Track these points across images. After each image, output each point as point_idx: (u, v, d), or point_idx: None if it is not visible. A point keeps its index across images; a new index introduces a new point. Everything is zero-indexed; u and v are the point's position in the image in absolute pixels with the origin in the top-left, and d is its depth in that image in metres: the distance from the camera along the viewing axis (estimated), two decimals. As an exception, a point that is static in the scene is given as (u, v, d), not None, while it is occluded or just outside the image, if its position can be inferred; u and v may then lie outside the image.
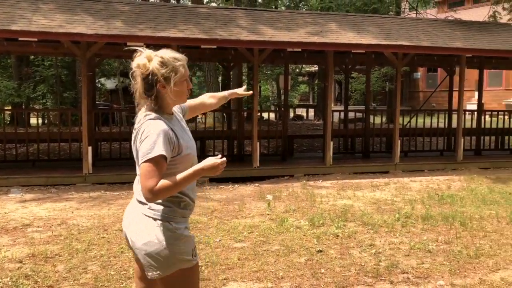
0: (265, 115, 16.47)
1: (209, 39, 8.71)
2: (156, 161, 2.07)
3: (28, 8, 8.55)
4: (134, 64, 2.17)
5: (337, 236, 5.27)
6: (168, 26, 8.82)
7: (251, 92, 2.93)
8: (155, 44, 9.34)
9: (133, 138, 2.20)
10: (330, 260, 4.52)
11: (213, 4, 23.89)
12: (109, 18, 8.76)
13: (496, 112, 13.00)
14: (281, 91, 20.68)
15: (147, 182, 2.04)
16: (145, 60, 2.15)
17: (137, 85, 2.18)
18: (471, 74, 17.48)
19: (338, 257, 4.61)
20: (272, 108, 24.33)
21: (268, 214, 6.27)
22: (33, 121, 19.49)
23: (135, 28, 8.50)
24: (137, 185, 2.25)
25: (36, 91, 18.05)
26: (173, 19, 9.25)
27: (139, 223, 2.20)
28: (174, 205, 2.21)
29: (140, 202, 2.22)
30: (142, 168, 2.07)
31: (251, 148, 9.81)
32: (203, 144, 10.74)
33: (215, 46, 9.79)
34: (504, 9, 16.06)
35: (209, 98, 2.71)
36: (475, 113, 12.79)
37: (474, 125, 12.52)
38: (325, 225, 5.72)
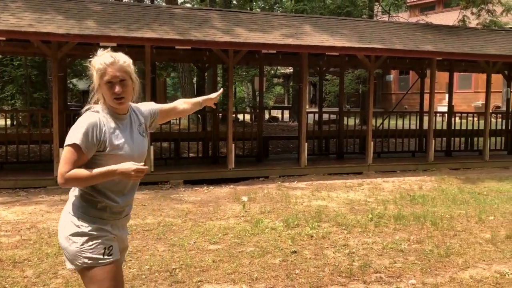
0: (240, 116, 16.46)
1: (184, 40, 8.65)
2: (71, 149, 2.17)
3: (-4, 6, 8.31)
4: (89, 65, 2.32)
5: (312, 236, 5.31)
6: (141, 26, 8.72)
7: (222, 89, 2.95)
8: (128, 44, 9.24)
9: None
10: (304, 260, 4.54)
11: (188, 5, 23.75)
12: (81, 17, 8.61)
13: (465, 114, 13.33)
14: (256, 92, 20.75)
15: (61, 167, 2.16)
16: (91, 62, 2.29)
17: None
18: (442, 77, 17.89)
19: (313, 257, 4.64)
20: (247, 109, 24.36)
21: (243, 216, 6.26)
22: (1, 122, 18.95)
23: (108, 28, 8.37)
24: None
25: (5, 92, 17.58)
26: (147, 20, 9.15)
27: (62, 215, 2.35)
28: (88, 204, 2.28)
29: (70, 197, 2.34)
30: (62, 153, 2.22)
31: (226, 149, 9.78)
32: (177, 146, 10.66)
33: (189, 47, 9.72)
34: (472, 13, 16.50)
35: (182, 104, 2.73)
36: (446, 115, 13.08)
37: (445, 127, 12.81)
38: (299, 226, 5.74)
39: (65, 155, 2.18)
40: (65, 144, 2.20)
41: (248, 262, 4.49)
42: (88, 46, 9.70)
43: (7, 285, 3.88)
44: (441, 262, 4.54)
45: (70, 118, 10.82)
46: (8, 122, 17.88)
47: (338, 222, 5.93)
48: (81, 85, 21.68)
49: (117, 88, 2.25)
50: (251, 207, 6.79)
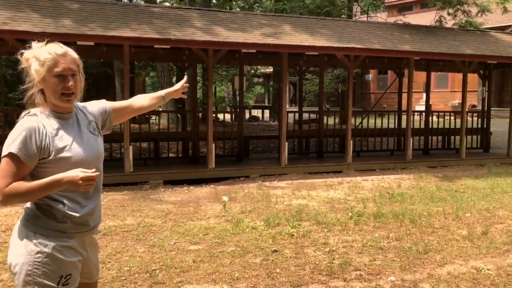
0: (220, 116, 16.42)
1: (163, 39, 8.58)
2: (8, 160, 1.90)
3: (-31, 3, 8.11)
4: (22, 58, 2.06)
5: (292, 235, 5.32)
6: (120, 25, 8.62)
7: (186, 77, 2.56)
8: (106, 43, 9.13)
9: None
10: (285, 259, 4.56)
11: (167, 4, 23.58)
12: (58, 16, 8.46)
13: (443, 113, 13.56)
14: (237, 92, 20.74)
15: None
16: (28, 54, 2.03)
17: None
18: (419, 77, 18.18)
19: (293, 256, 4.66)
20: (228, 109, 24.31)
21: (224, 216, 6.25)
22: (-25, 123, 18.49)
23: (85, 27, 8.25)
24: None
25: (-21, 91, 17.13)
26: (125, 18, 9.04)
27: (14, 231, 2.04)
28: (47, 216, 1.97)
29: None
30: None
31: (206, 149, 9.74)
32: (156, 146, 10.56)
33: (168, 46, 9.65)
34: (449, 14, 16.79)
35: (139, 99, 2.41)
36: (423, 114, 13.29)
37: (423, 126, 13.01)
38: (280, 225, 5.76)
39: (2, 167, 1.89)
40: (2, 156, 1.92)
41: (229, 262, 4.48)
42: (65, 44, 9.53)
43: (-19, 290, 3.79)
44: (420, 259, 4.60)
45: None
46: (-17, 122, 17.46)
47: (319, 220, 5.96)
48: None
49: (71, 82, 1.99)
50: (232, 206, 6.77)
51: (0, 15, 7.94)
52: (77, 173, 1.89)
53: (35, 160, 1.94)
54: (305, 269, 4.31)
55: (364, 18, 20.41)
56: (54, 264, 1.94)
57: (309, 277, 4.14)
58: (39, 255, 1.93)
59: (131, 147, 8.77)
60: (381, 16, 23.08)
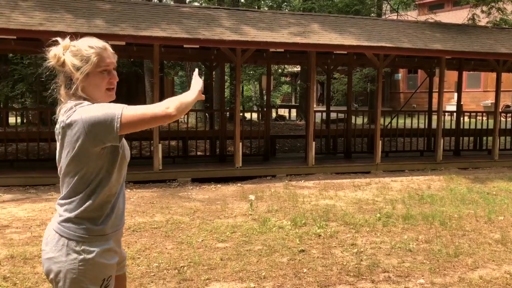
0: (247, 115, 16.47)
1: (192, 38, 8.67)
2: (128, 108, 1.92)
3: (6, 5, 8.38)
4: (49, 55, 1.95)
5: (319, 236, 5.31)
6: (150, 25, 8.75)
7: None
8: (137, 43, 9.28)
9: (60, 136, 1.92)
10: (312, 259, 4.55)
11: (196, 4, 23.80)
12: (90, 16, 8.66)
13: (474, 113, 13.24)
14: (264, 91, 20.71)
15: (152, 107, 1.94)
16: (60, 50, 1.93)
17: (59, 79, 1.96)
18: (451, 76, 17.78)
19: (320, 256, 4.64)
20: (255, 108, 24.35)
21: (251, 214, 6.28)
22: (11, 120, 19.11)
23: (116, 27, 8.41)
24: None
25: (15, 90, 17.70)
26: (156, 18, 9.18)
27: (49, 239, 1.95)
28: (88, 222, 1.92)
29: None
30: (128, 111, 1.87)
31: (233, 148, 9.80)
32: (185, 144, 10.69)
33: (197, 46, 9.75)
34: (482, 12, 16.37)
35: None
36: (454, 114, 13.00)
37: (453, 126, 12.73)
38: (307, 225, 5.75)
39: (137, 108, 1.83)
40: (119, 110, 1.81)
41: (256, 260, 4.50)
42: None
43: (17, 281, 3.92)
44: (450, 262, 4.52)
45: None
46: (19, 120, 18.04)
47: (346, 221, 5.92)
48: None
49: (115, 77, 1.94)
50: (259, 205, 6.79)
51: (37, 16, 8.18)
52: (198, 86, 1.99)
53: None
54: (332, 270, 4.30)
55: (394, 16, 20.11)
56: (98, 269, 1.94)
57: (336, 277, 4.12)
58: (83, 262, 1.90)
59: (160, 145, 8.90)
60: (412, 15, 22.68)
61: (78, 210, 1.92)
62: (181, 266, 4.32)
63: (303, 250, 4.79)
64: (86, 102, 1.90)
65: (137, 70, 19.35)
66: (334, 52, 10.92)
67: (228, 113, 12.89)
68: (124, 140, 1.98)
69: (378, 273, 4.24)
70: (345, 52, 10.89)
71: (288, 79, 32.10)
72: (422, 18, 20.91)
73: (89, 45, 1.92)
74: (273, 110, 22.12)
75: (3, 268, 4.22)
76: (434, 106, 12.14)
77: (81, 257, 1.90)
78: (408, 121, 12.36)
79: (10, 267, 4.23)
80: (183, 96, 1.94)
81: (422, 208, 6.70)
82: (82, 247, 1.91)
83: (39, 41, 8.88)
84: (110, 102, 1.95)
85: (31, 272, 4.13)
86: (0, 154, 10.03)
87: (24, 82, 17.72)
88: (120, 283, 2.16)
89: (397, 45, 9.91)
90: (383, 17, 19.19)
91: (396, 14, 20.10)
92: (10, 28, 7.70)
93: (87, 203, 1.92)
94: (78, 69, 1.90)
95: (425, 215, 6.21)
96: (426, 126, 12.62)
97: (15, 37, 8.71)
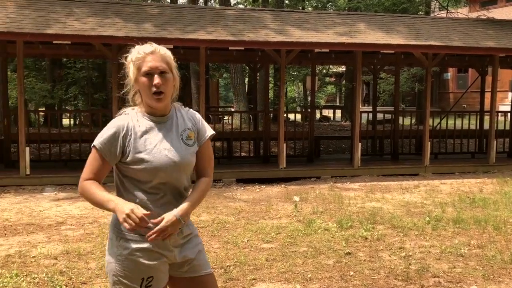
0: (291, 116, 16.44)
1: (237, 40, 8.76)
2: (93, 152, 1.98)
3: (62, 12, 8.78)
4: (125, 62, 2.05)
5: (366, 238, 5.22)
6: (196, 28, 8.92)
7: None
8: (183, 46, 9.47)
9: None
10: (359, 262, 4.48)
11: (241, 6, 24.00)
12: (139, 20, 8.92)
13: (530, 114, 12.60)
14: (308, 92, 20.58)
15: (83, 170, 1.99)
16: (128, 56, 2.02)
17: None
18: (504, 75, 17.02)
19: (367, 259, 4.57)
20: (299, 109, 24.27)
21: (295, 216, 6.26)
22: (65, 122, 20.01)
23: (164, 31, 8.63)
24: None
25: (68, 93, 18.50)
26: (202, 21, 9.34)
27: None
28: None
29: None
30: None
31: (277, 149, 9.81)
32: (229, 145, 10.81)
33: (242, 48, 9.84)
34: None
35: (195, 186, 2.15)
36: (508, 114, 12.43)
37: (507, 127, 12.17)
38: (353, 227, 5.67)
39: (89, 158, 1.98)
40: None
41: (301, 262, 4.49)
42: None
43: (73, 276, 4.10)
44: (505, 269, 4.33)
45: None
46: (72, 121, 18.85)
47: (394, 224, 5.80)
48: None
49: (157, 80, 1.92)
50: (303, 207, 6.77)
51: (89, 22, 8.52)
52: (126, 208, 1.82)
53: (115, 158, 1.96)
54: (380, 273, 4.22)
55: (443, 14, 19.49)
56: (134, 266, 1.96)
57: (384, 281, 4.05)
58: (119, 257, 1.97)
59: (205, 146, 9.03)
60: (462, 12, 21.91)
61: None
62: (227, 266, 4.37)
63: (349, 253, 4.73)
64: (124, 110, 2.03)
65: (183, 73, 19.74)
66: (381, 51, 10.71)
67: (272, 114, 12.91)
68: (149, 148, 1.97)
69: (428, 278, 4.13)
70: (392, 52, 10.66)
71: (332, 79, 31.77)
72: (474, 15, 20.14)
73: (137, 51, 1.98)
74: (317, 111, 21.94)
75: (59, 263, 4.42)
76: (486, 106, 11.66)
77: (119, 251, 1.97)
78: (458, 121, 11.93)
79: (66, 262, 4.42)
80: (102, 195, 1.93)
81: (474, 212, 6.45)
82: (120, 241, 1.98)
83: (91, 45, 9.26)
84: (159, 104, 1.99)
85: (85, 268, 4.30)
86: (55, 154, 10.50)
87: (76, 85, 18.49)
88: (195, 286, 2.11)
89: (446, 43, 9.60)
90: (432, 15, 18.62)
91: (445, 11, 19.48)
92: (65, 33, 8.06)
93: None
94: (128, 73, 2.00)
95: (477, 219, 5.98)
96: (478, 127, 12.14)
97: (69, 42, 9.12)
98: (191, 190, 2.09)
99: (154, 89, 1.93)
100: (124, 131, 1.96)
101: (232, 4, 20.77)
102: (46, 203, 7.06)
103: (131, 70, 1.98)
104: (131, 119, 2.00)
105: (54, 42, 8.97)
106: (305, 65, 16.25)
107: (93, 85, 18.77)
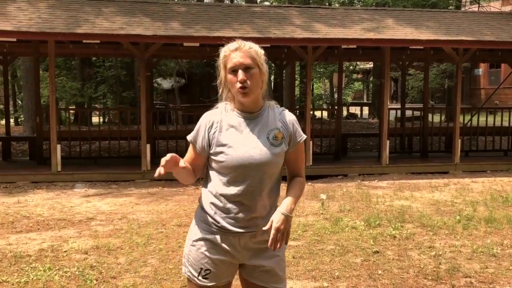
0: (317, 113, 16.33)
1: (263, 37, 8.73)
2: (190, 145, 2.10)
3: (91, 11, 8.95)
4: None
5: (395, 237, 5.14)
6: (223, 26, 8.95)
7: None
8: (210, 44, 9.52)
9: None
10: (387, 261, 4.42)
11: (267, 3, 23.97)
12: (166, 19, 9.01)
13: None
14: (335, 89, 20.40)
15: None
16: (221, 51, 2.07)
17: None
18: (539, 70, 16.45)
19: (396, 258, 4.50)
20: (325, 106, 24.10)
21: (322, 213, 6.22)
22: (94, 120, 20.42)
23: (191, 29, 8.69)
24: None
25: (97, 91, 18.88)
26: (228, 19, 9.37)
27: None
28: (202, 209, 2.08)
29: None
30: None
31: (304, 147, 9.75)
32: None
33: (268, 45, 9.80)
34: None
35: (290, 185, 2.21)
36: (543, 110, 12.02)
37: (543, 124, 11.78)
38: (381, 225, 5.59)
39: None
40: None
41: (328, 260, 4.46)
42: (172, 46, 10.15)
43: (103, 271, 4.18)
44: (540, 270, 4.19)
45: (156, 116, 11.39)
46: (101, 119, 19.22)
47: (423, 223, 5.69)
48: (165, 84, 22.69)
49: (241, 76, 1.95)
50: (330, 205, 6.72)
51: (118, 21, 8.66)
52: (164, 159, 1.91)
53: (204, 150, 2.03)
54: (409, 272, 4.15)
55: (474, 8, 18.99)
56: (197, 255, 2.05)
57: (413, 280, 3.98)
58: (189, 241, 2.10)
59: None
60: (495, 5, 21.29)
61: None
62: None
63: (377, 251, 4.66)
64: (217, 105, 2.10)
65: (209, 71, 19.86)
66: (410, 47, 10.51)
67: (298, 111, 12.85)
68: (231, 142, 2.01)
69: (459, 277, 4.03)
70: (421, 47, 10.45)
71: (360, 76, 31.41)
72: (507, 8, 19.54)
73: (224, 49, 2.03)
74: (344, 108, 21.74)
75: (89, 257, 4.52)
76: (520, 103, 11.31)
77: (191, 236, 2.10)
78: (490, 118, 11.61)
79: (96, 257, 4.52)
80: None
81: (507, 211, 6.27)
82: (195, 227, 2.10)
83: (119, 44, 9.40)
84: (245, 99, 2.01)
85: (115, 263, 4.38)
86: (85, 151, 10.74)
87: (105, 84, 18.85)
88: None
89: (478, 38, 9.35)
90: (463, 9, 18.18)
91: (477, 5, 18.97)
92: (95, 33, 8.22)
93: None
94: (219, 74, 2.06)
95: (511, 218, 5.81)
96: (510, 124, 11.78)
97: (98, 41, 9.29)
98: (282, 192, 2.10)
99: (239, 84, 1.97)
100: (210, 124, 2.03)
101: (258, 2, 20.77)
102: (77, 199, 7.22)
103: (221, 69, 2.04)
104: (220, 112, 2.06)
105: (84, 41, 9.16)
106: (331, 61, 16.12)
107: (121, 83, 19.10)
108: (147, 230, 5.40)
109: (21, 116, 18.50)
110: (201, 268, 2.03)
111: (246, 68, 1.97)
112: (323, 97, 28.26)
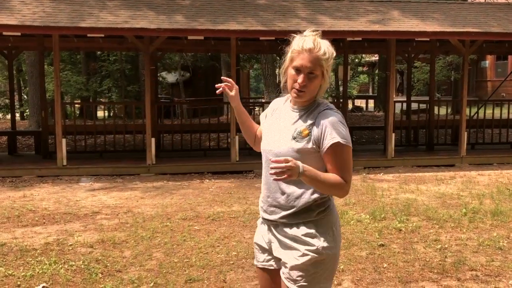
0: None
1: (268, 30, 8.70)
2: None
3: (96, 5, 8.93)
4: None
5: (400, 230, 5.12)
6: (227, 19, 8.90)
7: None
8: (214, 37, 9.49)
9: None
10: (392, 254, 4.40)
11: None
12: (170, 12, 8.98)
13: None
14: (340, 81, 20.30)
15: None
16: (295, 39, 2.06)
17: None
18: (547, 61, 16.28)
19: (401, 251, 4.48)
20: (330, 99, 23.99)
21: (328, 207, 6.19)
22: (100, 114, 20.47)
23: (195, 22, 8.65)
24: None
25: (102, 85, 18.89)
26: (232, 12, 9.32)
27: None
28: None
29: None
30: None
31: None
32: (261, 136, 10.79)
33: (273, 38, 9.76)
34: None
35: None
36: (551, 103, 11.90)
37: (550, 116, 11.67)
38: (387, 219, 5.57)
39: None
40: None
41: (333, 253, 4.44)
42: (176, 39, 10.12)
43: (108, 264, 4.19)
44: (547, 263, 4.16)
45: (161, 109, 11.38)
46: (106, 113, 19.27)
47: (429, 216, 5.66)
48: (170, 78, 22.67)
49: (300, 79, 1.95)
50: (335, 198, 6.68)
51: (122, 15, 8.63)
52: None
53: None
54: (414, 266, 4.13)
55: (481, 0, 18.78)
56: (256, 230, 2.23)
57: (418, 274, 3.96)
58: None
59: (237, 137, 9.06)
60: (502, -4, 21.04)
61: None
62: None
63: (382, 245, 4.65)
64: (279, 98, 2.19)
65: (214, 64, 19.81)
66: (415, 39, 10.44)
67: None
68: (264, 130, 2.16)
69: (465, 271, 4.01)
70: (427, 39, 10.37)
71: (365, 68, 31.22)
72: (514, -1, 19.29)
73: (298, 43, 1.99)
74: (350, 101, 21.64)
75: (95, 251, 4.54)
76: (528, 95, 11.21)
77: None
78: (496, 111, 11.52)
79: (101, 251, 4.53)
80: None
81: (514, 204, 6.23)
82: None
83: (124, 38, 9.39)
84: (297, 100, 2.02)
85: (120, 256, 4.39)
86: (90, 145, 10.77)
87: (110, 78, 18.86)
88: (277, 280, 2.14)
89: (485, 29, 9.25)
90: (469, 0, 17.97)
91: (484, -4, 18.74)
92: (99, 26, 8.20)
93: None
94: (284, 60, 2.04)
95: (517, 211, 5.77)
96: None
97: (103, 35, 9.28)
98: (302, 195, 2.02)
99: (297, 85, 1.96)
100: (269, 109, 2.18)
101: (262, -6, 20.62)
102: (82, 193, 7.25)
103: (287, 58, 2.01)
104: (279, 101, 2.17)
105: (88, 35, 9.16)
106: (337, 54, 15.98)
107: (126, 77, 19.09)
108: (152, 224, 5.41)
109: (27, 110, 18.57)
110: (255, 242, 2.23)
111: (310, 73, 1.95)
112: (328, 90, 28.13)
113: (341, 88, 15.33)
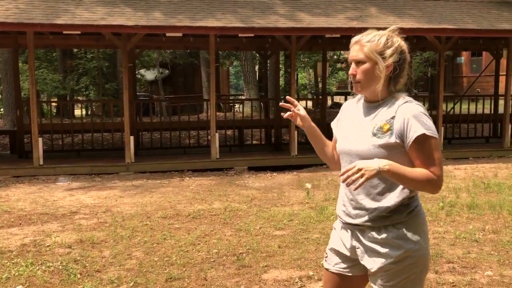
0: (302, 103, 16.33)
1: (247, 27, 8.69)
2: None
3: (71, 2, 8.77)
4: None
5: (379, 224, 5.18)
6: (206, 15, 8.86)
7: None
8: (193, 34, 9.43)
9: None
10: (372, 249, 4.45)
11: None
12: (148, 9, 8.88)
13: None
14: (319, 78, 20.43)
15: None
16: None
17: None
18: (520, 57, 16.65)
19: (380, 246, 4.53)
20: (310, 96, 24.12)
21: (308, 203, 6.25)
22: (77, 112, 20.13)
23: (173, 19, 8.58)
24: None
25: (80, 83, 18.59)
26: (211, 8, 9.27)
27: None
28: None
29: None
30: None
31: (289, 136, 9.77)
32: (241, 133, 10.79)
33: (252, 35, 9.76)
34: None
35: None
36: (524, 98, 12.20)
37: (523, 111, 11.96)
38: (366, 213, 5.63)
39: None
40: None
41: (314, 248, 4.48)
42: (155, 36, 10.03)
43: (87, 264, 4.13)
44: (521, 254, 4.27)
45: (139, 107, 11.27)
46: (84, 112, 18.97)
47: (407, 210, 5.74)
48: (148, 75, 22.45)
49: (350, 70, 1.96)
50: (315, 194, 6.75)
51: (99, 11, 8.50)
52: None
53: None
54: (393, 259, 4.18)
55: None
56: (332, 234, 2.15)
57: (397, 267, 4.01)
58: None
59: (217, 134, 9.04)
60: (476, -6, 21.45)
61: None
62: (240, 253, 4.38)
63: (362, 239, 4.69)
64: (349, 100, 2.17)
65: (193, 61, 19.69)
66: (393, 36, 10.54)
67: (283, 101, 12.85)
68: (343, 130, 2.08)
69: (442, 263, 4.09)
70: (405, 36, 10.43)
71: (344, 65, 31.43)
72: (488, -4, 19.67)
73: (351, 41, 2.01)
74: (329, 98, 21.80)
75: (73, 251, 4.47)
76: (501, 90, 11.46)
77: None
78: (472, 106, 11.76)
79: (80, 251, 4.47)
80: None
81: (489, 197, 6.37)
82: None
83: (101, 35, 9.25)
84: (357, 91, 2.02)
85: (99, 256, 4.34)
86: (68, 144, 10.60)
87: (87, 76, 18.56)
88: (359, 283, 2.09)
89: (460, 26, 9.43)
90: (445, -3, 18.24)
91: (458, -7, 19.06)
92: (75, 23, 8.06)
93: None
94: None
95: (492, 204, 5.90)
96: (492, 112, 11.96)
97: (79, 32, 9.13)
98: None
99: (351, 76, 1.98)
100: (341, 112, 2.14)
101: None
102: (60, 192, 7.13)
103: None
104: (350, 102, 2.12)
105: (64, 32, 8.99)
106: (316, 51, 16.09)
107: (103, 75, 18.82)
108: (131, 223, 5.36)
109: (1, 109, 18.15)
110: (327, 249, 2.18)
111: (358, 63, 1.95)
112: (307, 87, 28.27)
113: (320, 85, 15.41)
